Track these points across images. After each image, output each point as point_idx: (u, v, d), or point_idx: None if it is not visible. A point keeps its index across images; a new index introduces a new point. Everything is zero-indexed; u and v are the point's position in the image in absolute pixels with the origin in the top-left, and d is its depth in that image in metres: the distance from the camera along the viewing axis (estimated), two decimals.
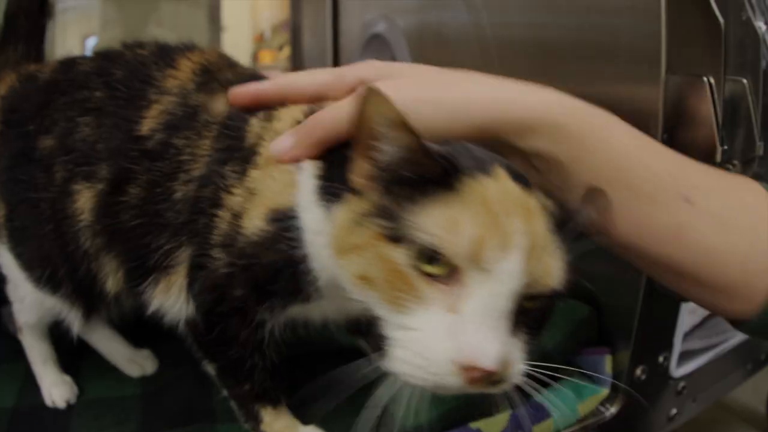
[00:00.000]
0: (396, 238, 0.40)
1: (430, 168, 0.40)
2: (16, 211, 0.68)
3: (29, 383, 0.76)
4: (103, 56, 0.68)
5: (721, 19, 0.64)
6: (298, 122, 0.54)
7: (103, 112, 0.63)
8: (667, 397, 0.79)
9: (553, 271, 0.41)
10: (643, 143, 0.54)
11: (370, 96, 0.40)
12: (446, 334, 0.38)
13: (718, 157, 0.65)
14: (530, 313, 0.41)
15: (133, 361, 0.80)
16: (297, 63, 1.45)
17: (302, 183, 0.51)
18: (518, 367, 0.41)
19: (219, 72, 0.64)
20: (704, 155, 0.64)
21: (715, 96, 0.64)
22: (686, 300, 0.69)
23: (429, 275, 0.39)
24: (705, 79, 0.64)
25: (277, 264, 0.52)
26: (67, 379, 0.76)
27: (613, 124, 0.53)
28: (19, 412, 0.73)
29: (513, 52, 0.87)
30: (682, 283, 0.54)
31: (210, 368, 0.62)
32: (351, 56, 1.32)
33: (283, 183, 0.52)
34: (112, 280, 0.66)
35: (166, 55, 0.65)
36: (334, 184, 0.46)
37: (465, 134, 0.48)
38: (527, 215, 0.40)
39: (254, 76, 0.64)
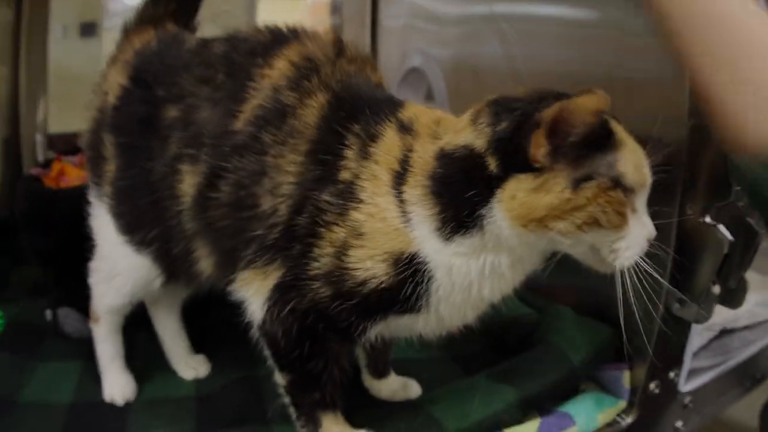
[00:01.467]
0: (615, 182, 0.50)
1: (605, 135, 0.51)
2: (127, 171, 0.67)
3: (84, 381, 0.79)
4: (234, 39, 0.65)
5: None
6: (394, 170, 0.54)
7: (219, 98, 0.61)
8: (675, 410, 0.83)
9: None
10: None
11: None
12: (642, 230, 0.54)
13: (732, 195, 0.68)
14: None
15: (189, 364, 0.82)
16: None
17: (418, 229, 0.53)
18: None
19: (320, 65, 0.60)
20: (720, 194, 0.67)
21: None
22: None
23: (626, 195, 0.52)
24: None
25: (393, 298, 0.54)
26: (129, 378, 0.77)
27: None
28: (77, 408, 0.74)
29: (544, 84, 0.90)
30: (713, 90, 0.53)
31: (281, 377, 0.61)
32: (389, 87, 1.33)
33: (393, 227, 0.53)
34: (205, 262, 0.65)
35: (271, 47, 0.62)
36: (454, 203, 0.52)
37: None
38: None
39: (356, 78, 0.61)
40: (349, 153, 0.55)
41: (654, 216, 0.65)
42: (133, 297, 0.73)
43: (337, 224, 0.54)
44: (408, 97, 1.35)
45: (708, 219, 0.68)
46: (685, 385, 0.81)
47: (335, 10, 1.47)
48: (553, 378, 0.71)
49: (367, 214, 0.53)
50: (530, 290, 0.92)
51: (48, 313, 0.90)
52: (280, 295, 0.57)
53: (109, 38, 1.32)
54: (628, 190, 0.52)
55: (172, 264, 0.68)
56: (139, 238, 0.67)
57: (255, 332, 0.62)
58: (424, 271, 0.53)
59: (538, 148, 0.49)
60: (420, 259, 0.53)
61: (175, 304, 0.81)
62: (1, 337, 0.87)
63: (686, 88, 0.66)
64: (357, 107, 0.58)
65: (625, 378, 0.75)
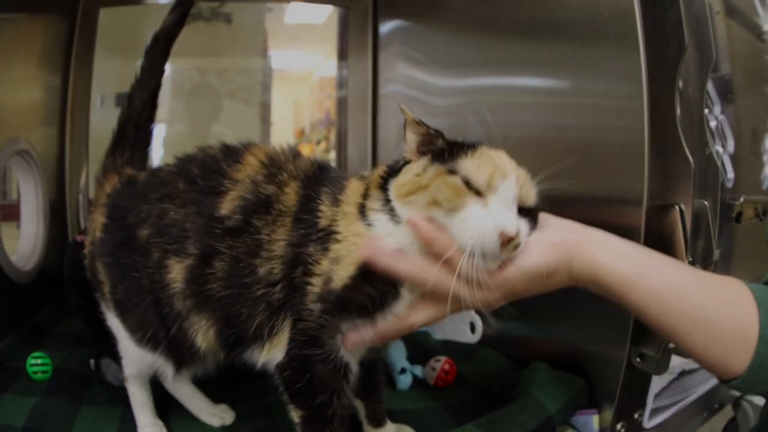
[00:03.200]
0: (451, 171, 0.60)
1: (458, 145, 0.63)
2: (119, 287, 0.76)
3: (125, 425, 0.83)
4: (181, 159, 0.76)
5: (691, 160, 0.72)
6: (359, 204, 0.65)
7: (186, 199, 0.71)
8: None
9: (532, 196, 0.63)
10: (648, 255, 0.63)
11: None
12: (487, 218, 0.58)
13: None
14: (526, 216, 0.61)
15: (215, 414, 0.86)
16: (341, 161, 1.55)
17: (377, 220, 0.64)
18: (524, 236, 0.60)
19: (284, 163, 0.70)
20: None
21: (685, 219, 0.73)
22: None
23: (470, 189, 0.59)
24: (677, 207, 0.73)
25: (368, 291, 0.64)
26: (159, 423, 0.83)
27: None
28: None
29: (519, 149, 0.96)
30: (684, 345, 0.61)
31: (295, 415, 0.67)
32: (387, 157, 1.43)
33: (359, 239, 0.63)
34: (201, 336, 0.72)
35: (232, 152, 0.72)
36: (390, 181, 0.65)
37: None
38: (515, 167, 0.63)
39: (314, 164, 0.71)
40: (323, 207, 0.66)
41: None
42: (150, 372, 0.81)
43: (323, 260, 0.64)
44: None
45: None
46: (649, 422, 0.86)
47: (341, 84, 1.53)
48: (532, 425, 0.75)
49: (344, 241, 0.64)
50: (512, 345, 1.00)
51: (92, 363, 0.95)
52: (293, 331, 0.65)
53: None
54: (470, 184, 0.59)
55: (176, 354, 0.76)
56: (140, 338, 0.75)
57: (275, 376, 0.68)
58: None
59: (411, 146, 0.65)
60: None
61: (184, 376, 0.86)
62: (49, 382, 0.92)
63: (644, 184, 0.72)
64: (324, 177, 0.69)
65: (595, 421, 0.80)
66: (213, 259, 0.67)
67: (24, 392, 0.89)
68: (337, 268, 0.63)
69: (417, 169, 0.63)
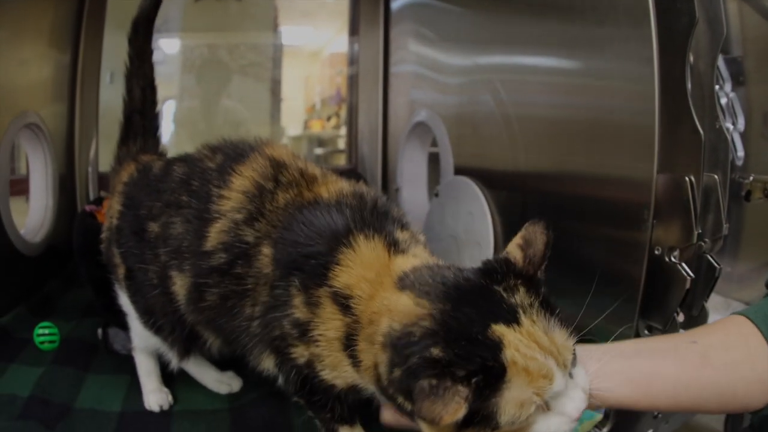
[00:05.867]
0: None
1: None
2: (132, 272, 0.76)
3: (132, 393, 0.84)
4: (190, 161, 0.71)
5: (701, 132, 0.72)
6: (341, 340, 0.55)
7: (185, 215, 0.67)
8: (646, 420, 0.87)
9: (571, 356, 0.50)
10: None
11: None
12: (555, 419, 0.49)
13: (695, 239, 0.73)
14: None
15: (222, 382, 0.86)
16: (352, 137, 1.53)
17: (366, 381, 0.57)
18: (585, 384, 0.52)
19: (264, 200, 0.62)
20: (684, 237, 0.73)
21: (695, 191, 0.72)
22: None
23: None
24: (687, 178, 0.72)
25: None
26: (165, 389, 0.83)
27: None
28: (126, 415, 0.80)
29: (531, 127, 0.95)
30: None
31: (300, 401, 0.67)
32: (397, 133, 1.44)
33: (350, 372, 0.56)
34: (211, 340, 0.73)
35: (225, 169, 0.65)
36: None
37: None
38: (553, 347, 0.48)
39: (293, 204, 0.62)
40: (297, 301, 0.57)
41: (627, 252, 0.70)
42: (155, 348, 0.80)
43: (300, 344, 0.58)
44: (416, 146, 1.42)
45: (673, 258, 0.74)
46: None
47: (352, 61, 1.52)
48: None
49: (326, 358, 0.57)
50: None
51: (99, 332, 0.95)
52: (280, 368, 0.63)
53: None
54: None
55: (183, 346, 0.76)
56: (151, 323, 0.75)
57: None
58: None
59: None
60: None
61: None
62: (57, 352, 0.93)
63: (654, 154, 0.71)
64: (294, 264, 0.58)
65: None
66: (204, 291, 0.65)
67: (31, 362, 0.89)
68: (319, 366, 0.58)
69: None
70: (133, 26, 0.87)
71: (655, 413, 0.87)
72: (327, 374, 0.58)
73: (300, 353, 0.58)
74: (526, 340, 0.46)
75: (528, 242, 0.53)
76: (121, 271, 0.78)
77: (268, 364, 0.66)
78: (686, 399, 0.58)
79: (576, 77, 0.87)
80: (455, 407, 0.43)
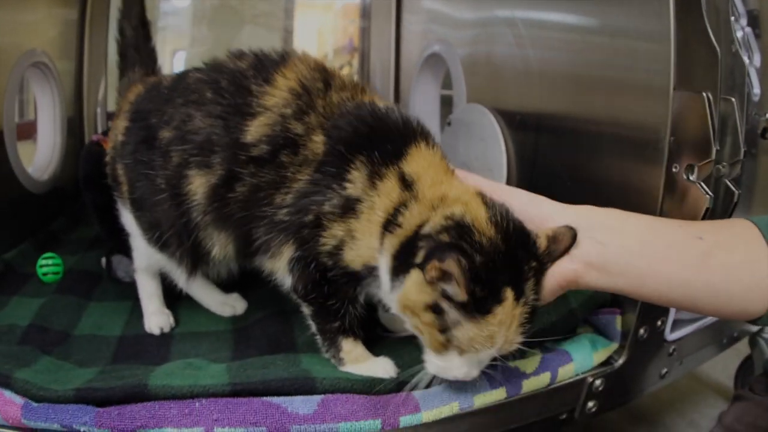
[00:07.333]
0: (443, 330, 0.55)
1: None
2: (136, 186, 0.74)
3: (133, 318, 0.82)
4: (210, 66, 0.72)
5: (717, 49, 0.71)
6: (389, 214, 0.59)
7: (212, 111, 0.67)
8: (661, 357, 0.85)
9: (515, 344, 0.57)
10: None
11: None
12: (457, 367, 0.57)
13: (713, 155, 0.71)
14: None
15: (226, 304, 0.84)
16: (364, 78, 1.52)
17: (381, 258, 0.60)
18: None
19: (314, 98, 0.65)
20: (702, 153, 0.71)
21: (713, 107, 0.71)
22: None
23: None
24: (704, 94, 0.70)
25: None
26: (166, 311, 0.81)
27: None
28: (125, 338, 0.78)
29: (552, 79, 0.94)
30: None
31: (306, 309, 0.67)
32: (410, 74, 1.42)
33: (373, 247, 0.60)
34: (218, 249, 0.71)
35: (264, 69, 0.67)
36: (402, 265, 0.58)
37: None
38: (510, 335, 0.55)
39: (350, 101, 0.65)
40: (356, 174, 0.61)
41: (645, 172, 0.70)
42: (159, 268, 0.80)
43: (337, 223, 0.61)
44: (428, 81, 1.40)
45: (692, 178, 0.72)
46: (671, 334, 0.83)
47: (364, 13, 1.51)
48: (553, 318, 0.73)
49: (361, 229, 0.61)
50: None
51: (103, 260, 0.94)
52: (297, 263, 0.64)
53: (161, 37, 1.40)
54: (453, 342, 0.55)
55: (191, 260, 0.75)
56: (157, 238, 0.74)
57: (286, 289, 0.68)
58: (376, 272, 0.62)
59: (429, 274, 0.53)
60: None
61: None
62: (61, 282, 0.91)
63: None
64: (365, 144, 0.62)
65: (618, 322, 0.77)
66: (236, 183, 0.65)
67: (32, 294, 0.87)
68: (351, 245, 0.61)
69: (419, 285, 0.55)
70: None
71: (671, 350, 0.85)
72: (350, 253, 0.61)
73: (332, 234, 0.61)
74: (509, 315, 0.54)
75: (556, 239, 0.58)
76: (125, 187, 0.76)
77: (280, 263, 0.66)
78: (681, 299, 0.58)
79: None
80: (453, 268, 0.50)
